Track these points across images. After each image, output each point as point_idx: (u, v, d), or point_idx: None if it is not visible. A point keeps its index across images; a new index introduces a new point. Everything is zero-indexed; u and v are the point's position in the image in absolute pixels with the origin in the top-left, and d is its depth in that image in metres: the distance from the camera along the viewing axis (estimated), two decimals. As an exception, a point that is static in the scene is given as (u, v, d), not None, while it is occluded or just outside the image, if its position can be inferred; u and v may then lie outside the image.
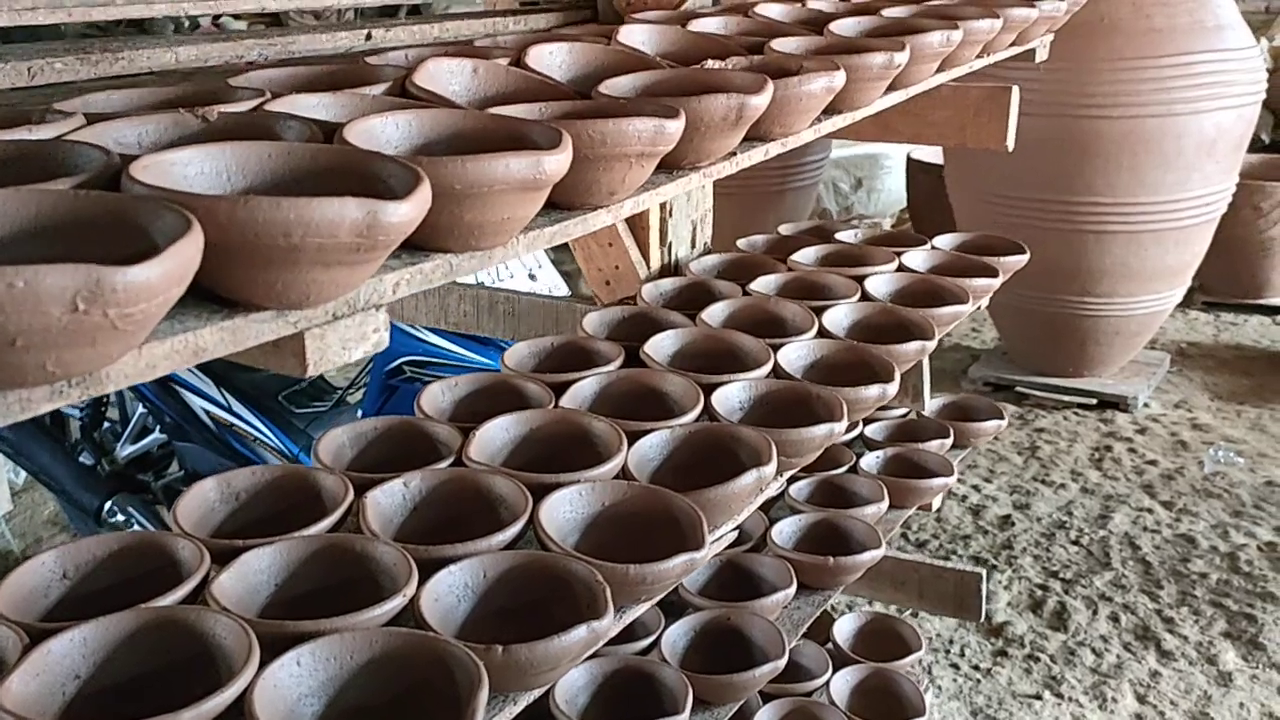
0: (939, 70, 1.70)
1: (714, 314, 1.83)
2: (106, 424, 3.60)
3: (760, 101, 1.19)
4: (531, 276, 2.98)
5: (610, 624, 1.10)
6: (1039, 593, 3.41)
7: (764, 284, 1.95)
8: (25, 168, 0.84)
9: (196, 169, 0.83)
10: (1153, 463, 4.19)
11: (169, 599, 1.05)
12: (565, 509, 1.30)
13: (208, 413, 3.30)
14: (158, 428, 3.45)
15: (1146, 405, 4.63)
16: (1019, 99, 1.89)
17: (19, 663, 0.97)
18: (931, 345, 1.77)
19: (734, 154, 1.30)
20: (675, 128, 1.07)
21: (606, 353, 1.71)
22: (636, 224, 2.04)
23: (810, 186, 5.58)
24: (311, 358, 0.83)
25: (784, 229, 2.33)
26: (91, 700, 1.01)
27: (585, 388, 1.59)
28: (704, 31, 1.56)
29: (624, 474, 1.39)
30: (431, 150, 1.01)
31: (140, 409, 3.46)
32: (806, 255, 2.07)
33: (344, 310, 0.85)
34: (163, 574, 1.12)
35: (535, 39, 1.49)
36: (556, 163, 0.92)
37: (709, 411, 1.54)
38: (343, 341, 0.85)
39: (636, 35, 1.51)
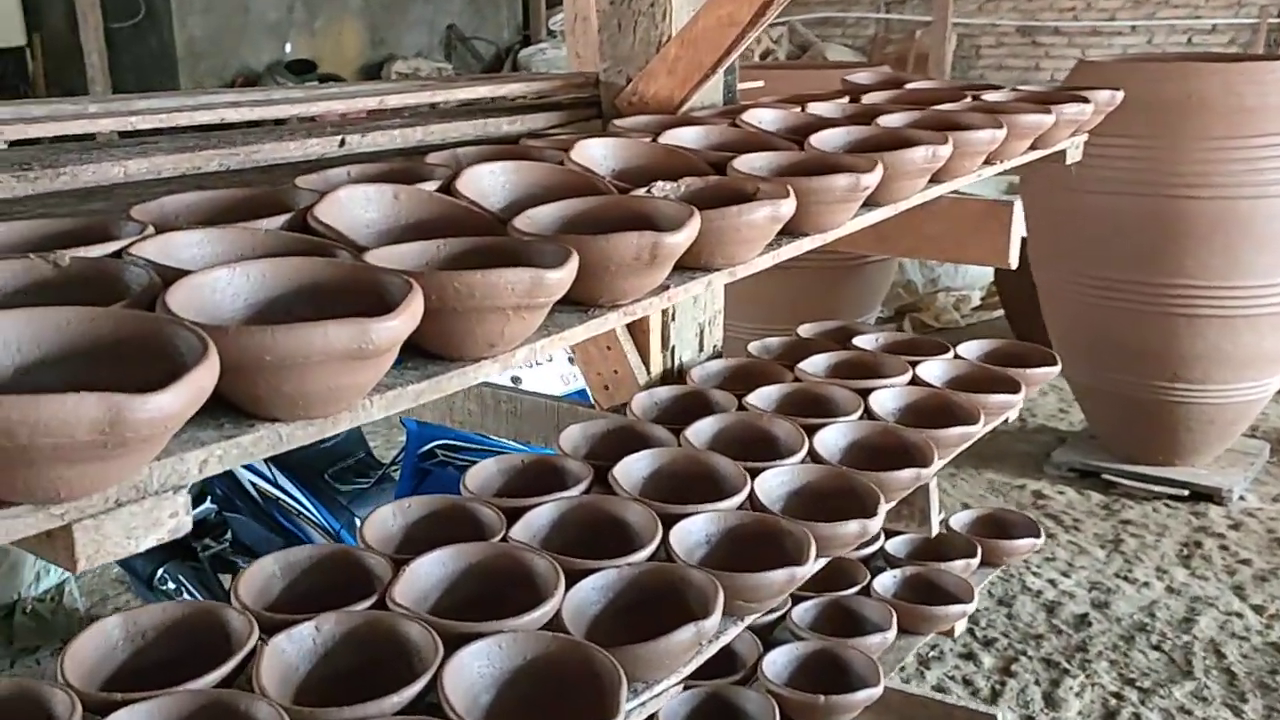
0: (934, 182, 1.59)
1: (699, 431, 1.73)
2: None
3: (678, 239, 1.10)
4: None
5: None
6: (1113, 702, 3.18)
7: (761, 397, 1.84)
8: None
9: (-20, 341, 0.78)
10: (1245, 562, 3.92)
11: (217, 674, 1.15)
12: (480, 664, 1.22)
13: (255, 485, 3.31)
14: (209, 498, 3.48)
15: (1242, 498, 4.34)
16: (1022, 214, 1.75)
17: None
18: (930, 472, 1.64)
19: (667, 287, 1.21)
20: (558, 278, 0.98)
21: (576, 473, 1.63)
22: (637, 327, 1.96)
23: (889, 260, 5.42)
24: (83, 551, 0.76)
25: (804, 330, 2.22)
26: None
27: (540, 516, 1.51)
28: (671, 145, 1.48)
29: (556, 621, 1.30)
30: (279, 306, 0.94)
31: (194, 479, 3.47)
32: (815, 364, 1.96)
33: (130, 496, 0.78)
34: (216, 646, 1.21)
35: (484, 155, 1.43)
36: (389, 331, 0.85)
37: (666, 548, 1.44)
38: (127, 530, 0.78)
39: (595, 151, 1.44)
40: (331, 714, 1.11)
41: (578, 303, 1.13)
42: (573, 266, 1.00)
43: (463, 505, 1.54)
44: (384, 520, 1.52)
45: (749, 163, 1.40)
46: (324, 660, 1.25)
